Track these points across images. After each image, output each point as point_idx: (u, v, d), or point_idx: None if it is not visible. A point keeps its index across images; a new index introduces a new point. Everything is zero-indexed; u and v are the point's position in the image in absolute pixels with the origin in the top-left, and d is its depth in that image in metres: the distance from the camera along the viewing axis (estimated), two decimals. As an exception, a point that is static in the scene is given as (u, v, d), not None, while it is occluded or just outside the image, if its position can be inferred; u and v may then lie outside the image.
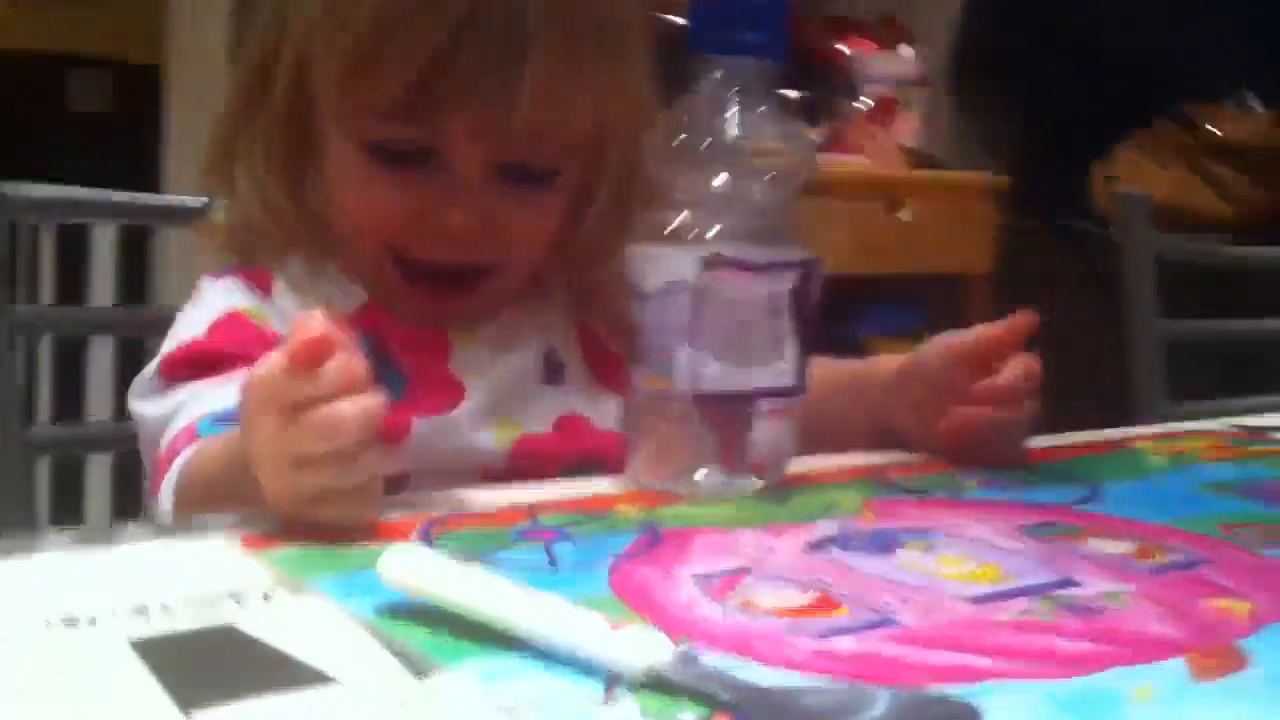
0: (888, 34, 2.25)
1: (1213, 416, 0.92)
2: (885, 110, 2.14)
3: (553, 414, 0.79)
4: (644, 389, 0.64)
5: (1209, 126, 2.09)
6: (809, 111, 2.01)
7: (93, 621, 0.46)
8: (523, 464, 0.75)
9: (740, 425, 0.65)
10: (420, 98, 0.71)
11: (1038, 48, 2.35)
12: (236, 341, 0.74)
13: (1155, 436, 0.84)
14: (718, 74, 0.63)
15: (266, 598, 0.49)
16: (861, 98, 2.12)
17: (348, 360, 0.54)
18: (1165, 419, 1.14)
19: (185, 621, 0.46)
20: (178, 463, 0.67)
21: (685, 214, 0.63)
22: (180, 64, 2.44)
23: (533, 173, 0.75)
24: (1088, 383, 1.73)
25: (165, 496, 0.67)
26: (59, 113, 2.77)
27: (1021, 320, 0.75)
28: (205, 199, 0.83)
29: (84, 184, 2.54)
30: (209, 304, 0.77)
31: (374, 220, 0.76)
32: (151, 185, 2.43)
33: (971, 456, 0.74)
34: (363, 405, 0.54)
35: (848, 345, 2.00)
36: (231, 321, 0.76)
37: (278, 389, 0.54)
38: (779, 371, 0.64)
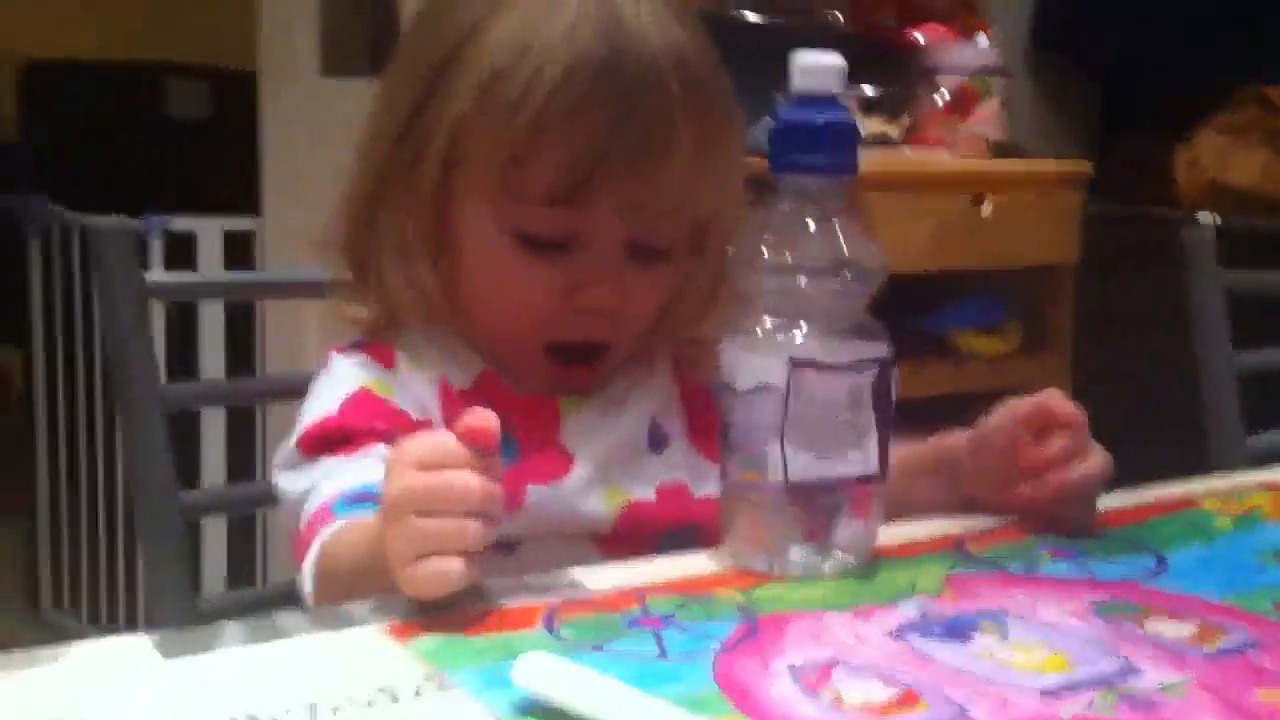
0: (963, 20, 2.25)
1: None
2: (964, 100, 2.15)
3: (656, 481, 0.85)
4: (737, 480, 0.70)
5: (1292, 109, 2.09)
6: (886, 105, 2.03)
7: (271, 721, 0.53)
8: (628, 529, 0.82)
9: (828, 510, 0.71)
10: (576, 187, 0.78)
11: (1115, 29, 2.35)
12: (365, 417, 0.81)
13: (1222, 491, 0.88)
14: (796, 190, 0.69)
15: (418, 693, 0.56)
16: (939, 88, 2.13)
17: (451, 441, 0.63)
18: (1235, 458, 1.17)
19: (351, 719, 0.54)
20: (316, 544, 0.74)
21: (771, 319, 0.69)
22: (273, 71, 2.51)
23: (656, 249, 0.82)
24: (1167, 378, 1.75)
25: (307, 577, 0.74)
26: (159, 120, 2.87)
27: (1076, 416, 0.78)
28: (323, 274, 0.90)
29: (184, 190, 2.63)
30: (340, 379, 0.83)
31: (522, 304, 0.82)
32: (251, 191, 2.52)
33: (1042, 524, 0.78)
34: (486, 481, 0.62)
35: (932, 341, 2.03)
36: (361, 397, 0.82)
37: (414, 450, 0.62)
38: (862, 460, 0.70)
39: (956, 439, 0.84)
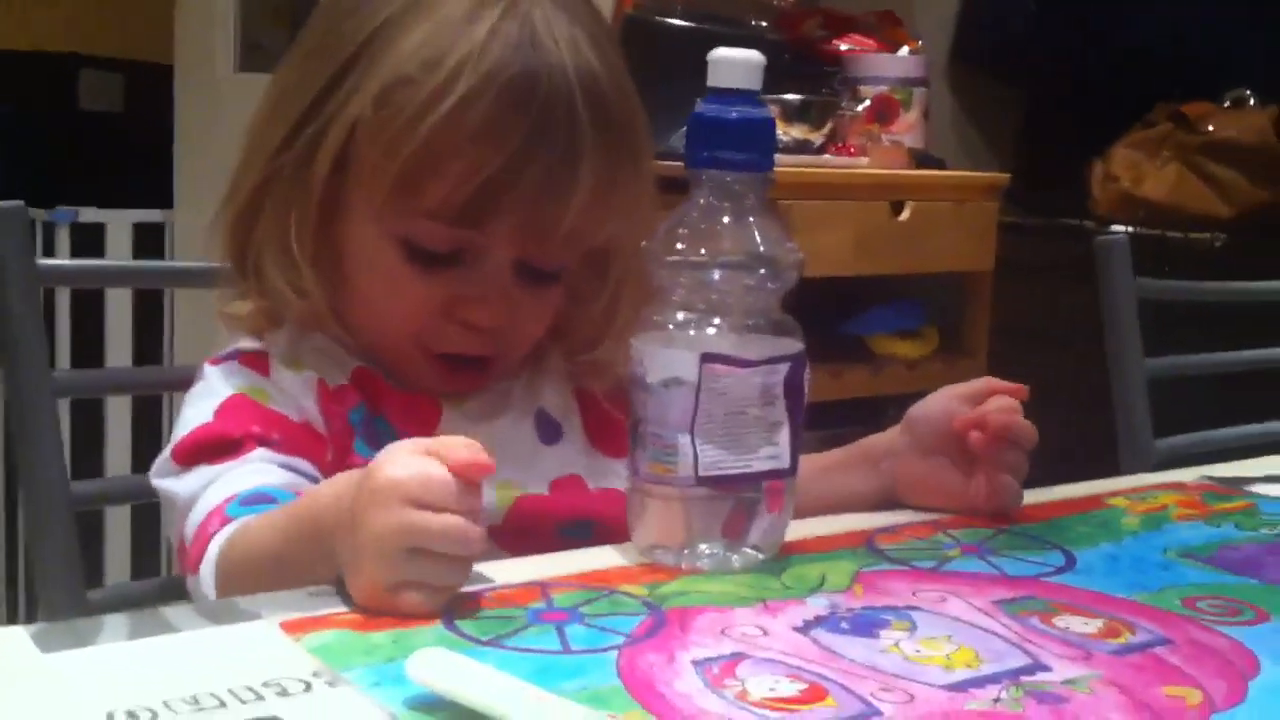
0: (887, 32, 2.27)
1: (1195, 454, 0.96)
2: (886, 109, 2.16)
3: (551, 474, 0.84)
4: (647, 473, 0.69)
5: (1207, 126, 2.12)
6: (809, 113, 2.04)
7: (154, 715, 0.51)
8: (520, 522, 0.81)
9: (738, 505, 0.70)
10: (473, 207, 0.76)
11: (1036, 44, 2.38)
12: (242, 423, 0.79)
13: (1130, 491, 0.89)
14: (712, 186, 0.68)
15: (307, 688, 0.54)
16: (862, 97, 2.15)
17: (466, 489, 0.61)
18: (1145, 462, 1.18)
19: (237, 713, 0.51)
20: (217, 542, 0.72)
21: (684, 314, 0.68)
22: (190, 65, 2.48)
23: (546, 271, 0.81)
24: (1079, 384, 1.77)
25: (207, 574, 0.72)
26: (71, 112, 2.80)
27: (1017, 388, 0.82)
28: (214, 264, 0.86)
29: (95, 182, 2.58)
30: (214, 389, 0.81)
31: (404, 313, 0.80)
32: (163, 181, 2.48)
33: (968, 497, 0.80)
34: (481, 528, 0.61)
35: (851, 344, 2.05)
36: (236, 403, 0.80)
37: (415, 488, 0.60)
38: (774, 455, 0.69)
39: (888, 433, 0.85)
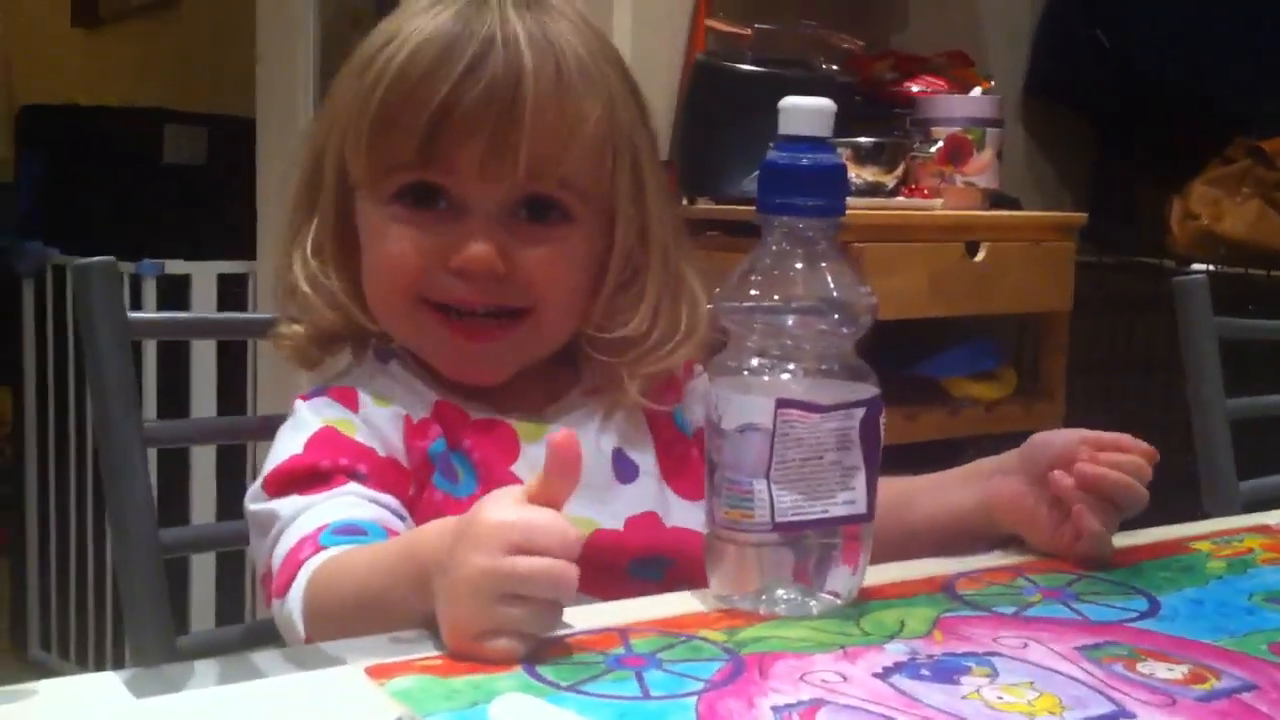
0: (958, 72, 2.26)
1: (1277, 499, 0.95)
2: (958, 150, 2.16)
3: (626, 512, 0.85)
4: (724, 520, 0.70)
5: (1284, 161, 2.09)
6: (881, 156, 2.04)
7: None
8: (595, 556, 0.81)
9: (815, 550, 0.70)
10: (432, 146, 0.80)
11: (1110, 81, 2.36)
12: (331, 454, 0.81)
13: (1214, 534, 0.87)
14: (784, 231, 0.69)
15: (391, 734, 0.55)
16: (934, 139, 2.14)
17: (571, 533, 0.62)
18: (1228, 504, 1.16)
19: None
20: (308, 570, 0.73)
21: (758, 360, 0.69)
22: (271, 117, 2.53)
23: (544, 207, 0.83)
24: (1160, 424, 1.75)
25: (295, 600, 0.73)
26: (155, 166, 2.87)
27: (1152, 451, 0.81)
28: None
29: (180, 234, 2.64)
30: (304, 422, 0.84)
31: (399, 265, 0.83)
32: (246, 233, 2.53)
33: (1064, 537, 0.80)
34: (575, 570, 0.62)
35: (926, 387, 2.03)
36: (325, 436, 0.82)
37: (516, 534, 0.61)
38: (851, 500, 0.69)
39: (1005, 454, 0.85)
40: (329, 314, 0.86)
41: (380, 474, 0.81)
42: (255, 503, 0.81)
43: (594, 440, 0.86)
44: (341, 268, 0.86)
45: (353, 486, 0.79)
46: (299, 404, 0.86)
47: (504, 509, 0.63)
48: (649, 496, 0.86)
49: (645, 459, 0.88)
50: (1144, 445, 0.81)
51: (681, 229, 0.91)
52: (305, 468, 0.80)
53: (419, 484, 0.82)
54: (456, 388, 0.86)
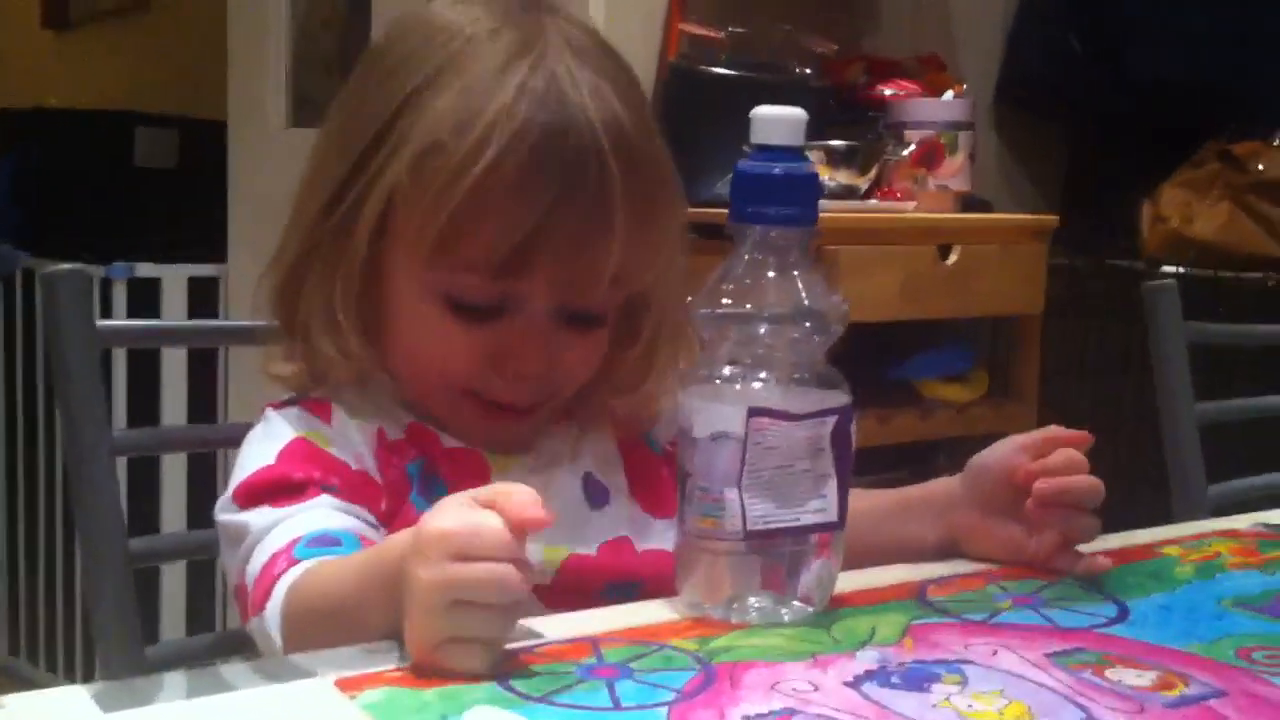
0: (931, 76, 2.27)
1: (1249, 500, 0.95)
2: (931, 154, 2.16)
3: (599, 538, 0.84)
4: (695, 528, 0.70)
5: (1257, 165, 2.11)
6: (854, 158, 2.05)
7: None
8: (569, 582, 0.81)
9: (787, 558, 0.70)
10: (512, 263, 0.78)
11: (1081, 84, 2.38)
12: (304, 467, 0.80)
13: (1183, 539, 0.88)
14: (756, 241, 0.69)
15: (360, 746, 0.55)
16: (907, 142, 2.15)
17: (508, 533, 0.61)
18: (1197, 508, 1.17)
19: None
20: (284, 584, 0.73)
21: (730, 368, 0.69)
22: (242, 121, 2.52)
23: (588, 315, 0.82)
24: (1132, 426, 1.76)
25: (272, 616, 0.73)
26: (126, 169, 2.85)
27: (1081, 435, 0.81)
28: (277, 324, 0.89)
29: (150, 237, 2.63)
30: (276, 432, 0.83)
31: (450, 367, 0.82)
32: (217, 236, 2.52)
33: (1029, 551, 0.80)
34: (523, 577, 0.61)
35: (899, 389, 2.04)
36: (298, 447, 0.81)
37: (460, 541, 0.61)
38: (822, 509, 0.69)
39: (947, 479, 0.85)
40: (347, 373, 0.83)
41: (352, 488, 0.80)
42: (225, 513, 0.80)
43: (565, 467, 0.86)
44: (365, 330, 0.83)
45: (324, 498, 0.78)
46: (270, 412, 0.85)
47: (445, 517, 0.62)
48: (621, 521, 0.86)
49: (616, 482, 0.87)
50: (1076, 433, 0.81)
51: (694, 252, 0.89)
52: (277, 479, 0.79)
53: (394, 501, 0.81)
54: (429, 414, 0.85)
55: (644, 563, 0.82)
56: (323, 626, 0.69)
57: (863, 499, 0.84)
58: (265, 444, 0.82)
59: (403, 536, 0.66)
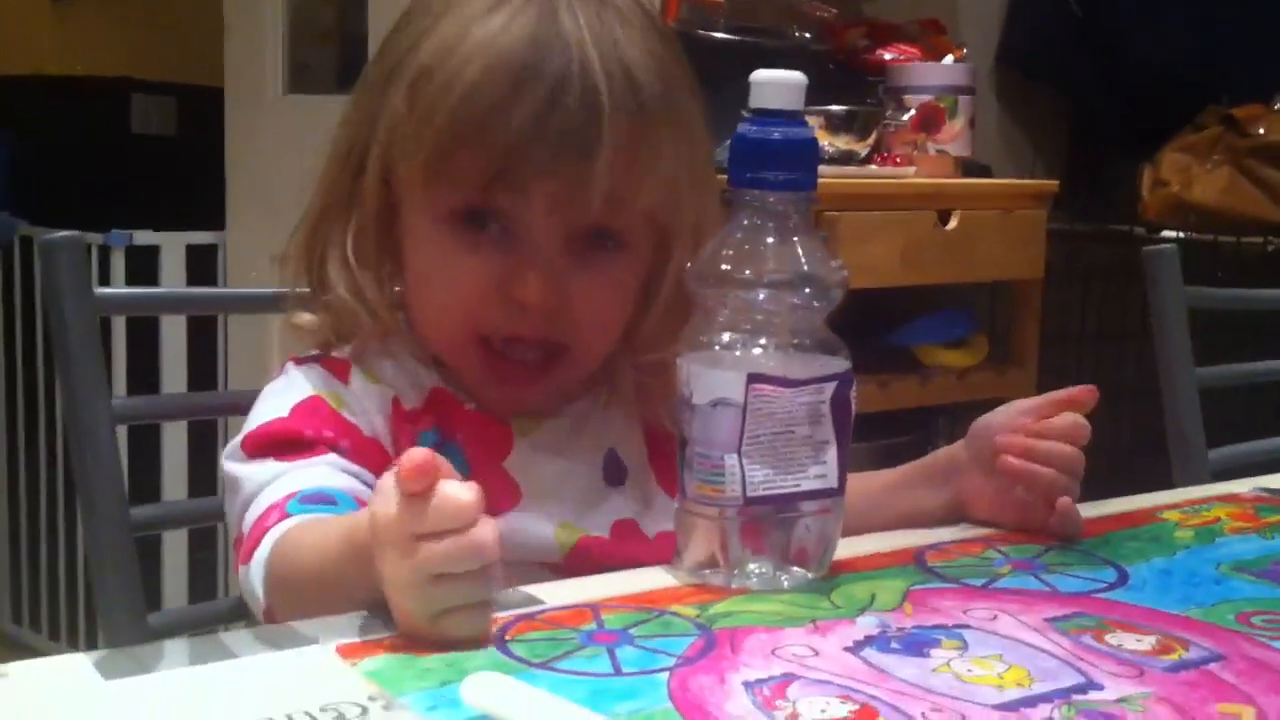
0: (931, 40, 2.26)
1: (1250, 464, 0.95)
2: (931, 118, 2.16)
3: (611, 517, 0.84)
4: (695, 494, 0.70)
5: (1258, 128, 2.10)
6: (854, 124, 2.04)
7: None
8: (580, 562, 0.81)
9: (786, 524, 0.70)
10: (502, 176, 0.78)
11: (1082, 49, 2.37)
12: (315, 424, 0.80)
13: (1183, 504, 0.88)
14: (755, 206, 0.68)
15: (363, 712, 0.55)
16: (907, 107, 2.14)
17: (466, 495, 0.60)
18: (1197, 472, 1.17)
19: (294, 741, 0.53)
20: (271, 538, 0.73)
21: (729, 335, 0.69)
22: (239, 88, 2.51)
23: (604, 240, 0.81)
24: (1132, 391, 1.75)
25: (257, 569, 0.73)
26: (123, 136, 2.84)
27: (1086, 390, 0.82)
28: (276, 290, 0.89)
29: (148, 204, 2.62)
30: (294, 386, 0.83)
31: (458, 294, 0.81)
32: (215, 203, 2.51)
33: (1026, 511, 0.81)
34: (493, 529, 0.61)
35: (899, 355, 2.04)
36: (313, 404, 0.81)
37: (406, 524, 0.60)
38: (822, 474, 0.70)
39: (951, 446, 0.85)
40: (365, 319, 0.83)
41: (361, 452, 0.80)
42: (232, 461, 0.81)
43: (589, 440, 0.85)
44: (378, 269, 0.84)
45: (330, 457, 0.78)
46: (290, 366, 0.85)
47: (388, 503, 0.61)
48: (634, 502, 0.85)
49: (635, 460, 0.87)
50: (1081, 389, 0.82)
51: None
52: (288, 432, 0.79)
53: None
54: (453, 376, 0.84)
55: (651, 549, 0.81)
56: (304, 587, 0.69)
57: (865, 479, 0.86)
58: (282, 396, 0.82)
59: (367, 515, 0.64)
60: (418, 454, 0.60)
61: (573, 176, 0.77)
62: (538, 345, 0.81)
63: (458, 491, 0.60)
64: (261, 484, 0.78)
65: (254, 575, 0.73)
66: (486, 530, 0.61)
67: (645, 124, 0.78)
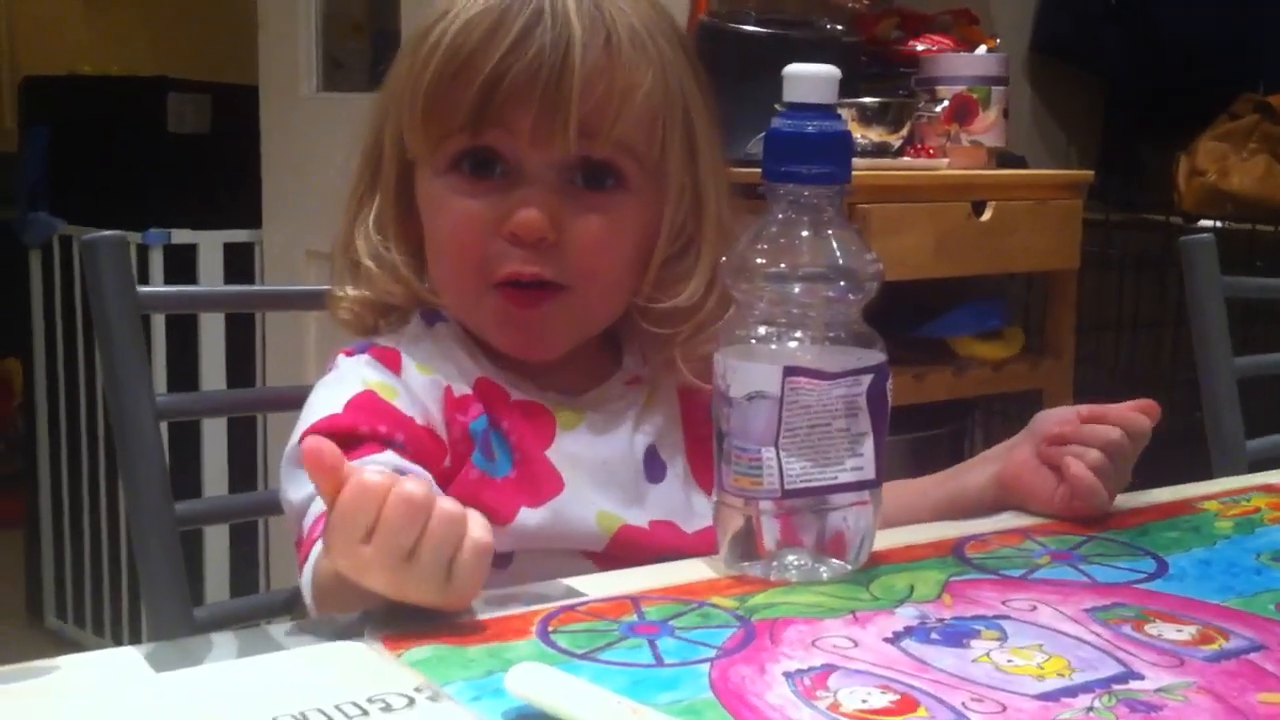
0: (963, 30, 2.25)
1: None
2: (964, 109, 2.15)
3: (651, 513, 0.85)
4: (733, 487, 0.70)
5: (1293, 116, 2.09)
6: (887, 115, 2.03)
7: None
8: (621, 549, 0.82)
9: (824, 516, 0.70)
10: (483, 113, 0.81)
11: (1115, 37, 2.35)
12: (370, 420, 0.80)
13: (1221, 494, 0.88)
14: (790, 200, 0.69)
15: (410, 703, 0.56)
16: (940, 98, 2.13)
17: (372, 475, 0.62)
18: (1236, 462, 1.17)
19: (344, 732, 0.53)
20: (315, 551, 0.74)
21: (765, 328, 0.69)
22: (274, 86, 2.52)
23: (598, 172, 0.83)
24: (1170, 381, 1.75)
25: (306, 579, 0.74)
26: (159, 135, 2.87)
27: (1151, 405, 0.83)
28: (315, 288, 0.92)
29: (185, 203, 2.64)
30: (346, 379, 0.83)
31: (463, 237, 0.83)
32: (252, 201, 2.53)
33: (1066, 503, 0.82)
34: (417, 483, 0.62)
35: (934, 347, 2.03)
36: (366, 399, 0.82)
37: (346, 534, 0.62)
38: (859, 467, 0.70)
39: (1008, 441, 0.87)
40: (392, 286, 0.87)
41: (417, 444, 0.80)
42: (290, 463, 0.81)
43: (629, 435, 0.86)
44: (403, 241, 0.87)
45: (386, 455, 0.78)
46: (341, 359, 0.86)
47: (329, 531, 0.63)
48: (674, 502, 0.86)
49: (675, 459, 0.88)
50: (1142, 404, 0.83)
51: (734, 196, 0.90)
52: (344, 430, 0.79)
53: (456, 459, 0.82)
54: (500, 364, 0.86)
55: (693, 543, 0.82)
56: (337, 597, 0.70)
57: (908, 484, 0.88)
58: (335, 389, 0.83)
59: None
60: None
61: (549, 105, 0.80)
62: (539, 280, 0.83)
63: (355, 483, 0.62)
64: (314, 491, 0.78)
65: (304, 586, 0.74)
66: (405, 485, 0.62)
67: (618, 55, 0.81)
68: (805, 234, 0.69)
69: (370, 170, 0.89)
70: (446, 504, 0.63)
